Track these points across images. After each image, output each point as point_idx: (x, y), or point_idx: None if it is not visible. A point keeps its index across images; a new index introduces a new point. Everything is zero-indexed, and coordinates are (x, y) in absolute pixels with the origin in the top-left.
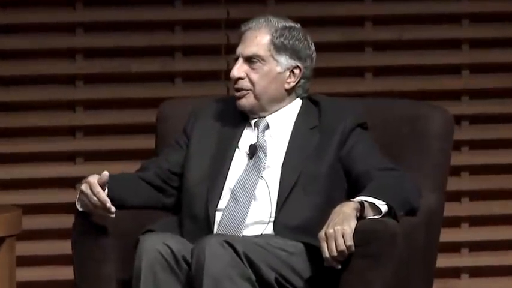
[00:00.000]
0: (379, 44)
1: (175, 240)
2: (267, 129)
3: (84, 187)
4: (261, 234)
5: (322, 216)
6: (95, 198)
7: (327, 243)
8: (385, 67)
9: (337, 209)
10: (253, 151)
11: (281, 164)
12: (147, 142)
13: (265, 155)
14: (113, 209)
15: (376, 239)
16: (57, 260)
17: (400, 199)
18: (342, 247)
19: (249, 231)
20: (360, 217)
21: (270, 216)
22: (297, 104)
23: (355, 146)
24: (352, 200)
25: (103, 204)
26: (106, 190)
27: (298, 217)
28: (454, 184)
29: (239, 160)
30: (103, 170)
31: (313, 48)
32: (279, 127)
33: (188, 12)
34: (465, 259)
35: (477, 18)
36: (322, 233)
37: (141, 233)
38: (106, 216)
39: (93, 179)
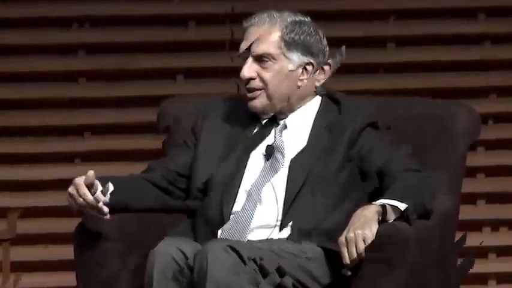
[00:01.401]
0: (401, 40)
1: (189, 245)
2: (284, 129)
3: (70, 189)
4: (266, 239)
5: (335, 218)
6: (81, 199)
7: (347, 248)
8: (405, 63)
9: (358, 212)
10: (270, 152)
11: (288, 164)
12: (147, 142)
13: (283, 156)
14: (106, 209)
15: (387, 243)
16: (53, 266)
17: (413, 201)
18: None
19: (254, 235)
20: (382, 221)
21: (277, 220)
22: (316, 102)
23: (365, 146)
24: (373, 203)
25: (90, 205)
26: (99, 190)
27: (309, 220)
28: (469, 186)
29: (255, 162)
30: (103, 171)
31: (325, 42)
32: (297, 126)
33: (191, 6)
34: (492, 265)
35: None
36: (342, 238)
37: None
38: (100, 218)
39: (80, 180)
